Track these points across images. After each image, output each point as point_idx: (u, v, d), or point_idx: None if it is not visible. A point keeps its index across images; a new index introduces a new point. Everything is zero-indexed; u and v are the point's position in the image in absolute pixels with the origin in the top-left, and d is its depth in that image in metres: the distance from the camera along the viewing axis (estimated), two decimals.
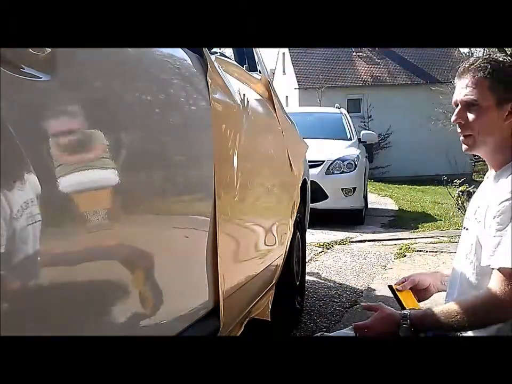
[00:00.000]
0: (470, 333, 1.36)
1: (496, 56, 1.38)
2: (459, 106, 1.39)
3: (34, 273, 0.77)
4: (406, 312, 1.39)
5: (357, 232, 6.00)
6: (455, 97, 1.40)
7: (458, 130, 1.40)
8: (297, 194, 2.69)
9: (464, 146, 1.41)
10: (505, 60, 1.37)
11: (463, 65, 1.39)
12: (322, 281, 3.81)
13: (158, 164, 1.17)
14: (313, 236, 5.33)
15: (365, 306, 1.56)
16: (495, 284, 1.26)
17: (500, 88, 1.34)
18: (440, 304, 1.42)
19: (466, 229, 1.46)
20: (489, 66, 1.34)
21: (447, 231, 6.07)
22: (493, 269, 1.27)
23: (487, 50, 13.61)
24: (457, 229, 5.71)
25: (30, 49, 0.80)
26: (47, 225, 0.79)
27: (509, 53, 10.41)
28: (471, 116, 1.36)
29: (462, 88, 1.38)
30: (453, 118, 1.39)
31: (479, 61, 1.37)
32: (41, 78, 0.80)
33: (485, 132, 1.37)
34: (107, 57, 1.01)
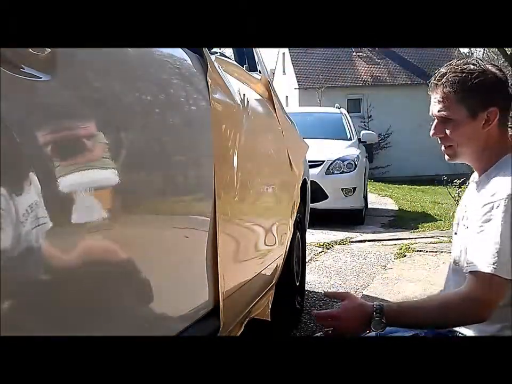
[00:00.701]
0: (470, 333, 1.36)
1: (465, 65, 1.34)
2: (435, 120, 1.38)
3: (34, 273, 0.77)
4: (380, 304, 1.32)
5: (357, 232, 6.00)
6: (430, 111, 1.38)
7: (439, 141, 1.39)
8: (297, 194, 2.69)
9: (446, 157, 1.41)
10: (474, 68, 1.33)
11: (433, 79, 1.37)
12: (323, 281, 3.81)
13: (158, 163, 1.17)
14: (313, 236, 5.33)
15: (329, 294, 1.45)
16: (471, 285, 1.25)
17: (470, 100, 1.32)
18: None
19: (455, 234, 1.45)
20: (457, 80, 1.32)
21: (447, 231, 6.07)
22: (471, 272, 1.26)
23: (487, 50, 13.62)
24: None
25: (30, 49, 0.80)
26: (47, 225, 0.79)
27: (509, 53, 10.39)
28: (447, 130, 1.35)
29: (435, 103, 1.37)
30: (431, 132, 1.38)
31: (447, 75, 1.34)
32: (41, 78, 0.80)
33: (464, 143, 1.35)
34: (107, 57, 1.01)
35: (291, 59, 21.68)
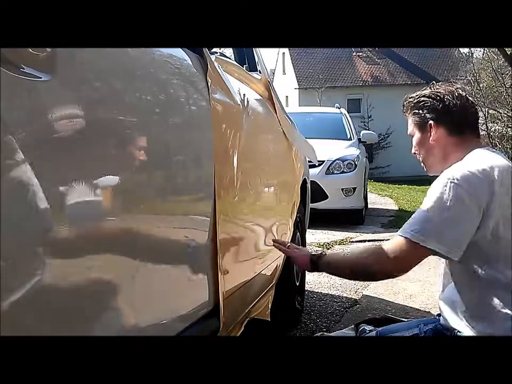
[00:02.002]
0: (470, 333, 1.37)
1: (422, 91, 1.59)
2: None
3: (34, 272, 0.77)
4: (315, 254, 1.64)
5: (357, 232, 6.00)
6: None
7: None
8: (297, 194, 2.70)
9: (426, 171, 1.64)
10: (426, 91, 1.57)
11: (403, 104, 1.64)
12: (323, 281, 3.81)
13: (158, 163, 1.17)
14: (313, 236, 5.32)
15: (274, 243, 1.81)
16: (390, 243, 1.44)
17: (416, 118, 1.58)
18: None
19: None
20: (411, 104, 1.59)
21: None
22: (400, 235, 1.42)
23: (487, 50, 13.64)
24: None
25: (30, 49, 0.80)
26: (47, 224, 0.79)
27: (509, 53, 10.39)
28: (415, 145, 1.61)
29: (408, 124, 1.64)
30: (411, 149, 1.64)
31: (406, 100, 1.62)
32: (41, 78, 0.80)
33: (424, 155, 1.59)
34: (107, 57, 1.01)
35: (291, 59, 21.68)
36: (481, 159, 1.43)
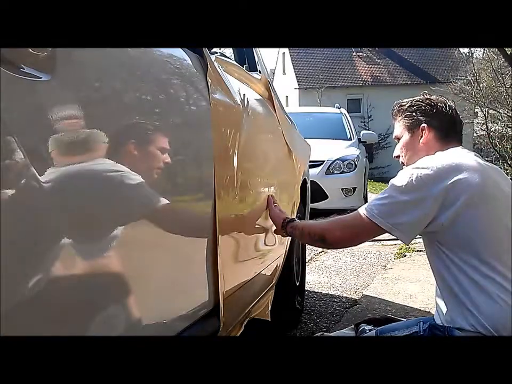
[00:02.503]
0: (470, 333, 1.37)
1: (413, 98, 1.71)
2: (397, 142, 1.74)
3: (34, 272, 0.77)
4: (289, 218, 1.82)
5: None
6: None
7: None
8: (297, 194, 2.69)
9: None
10: (417, 98, 1.69)
11: (392, 109, 1.75)
12: (323, 281, 3.81)
13: (157, 163, 1.17)
14: None
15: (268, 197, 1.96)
16: (349, 215, 1.59)
17: (407, 121, 1.68)
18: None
19: None
20: (402, 108, 1.70)
21: None
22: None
23: (487, 50, 13.63)
24: None
25: (30, 49, 0.80)
26: (47, 224, 0.79)
27: (509, 53, 10.39)
28: (400, 148, 1.71)
29: (394, 128, 1.75)
30: (394, 153, 1.75)
31: (398, 104, 1.73)
32: (41, 78, 0.80)
33: (410, 157, 1.67)
34: (107, 57, 1.01)
35: (291, 59, 21.69)
36: (449, 154, 1.55)
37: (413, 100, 1.71)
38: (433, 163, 1.50)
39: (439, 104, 1.67)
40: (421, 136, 1.65)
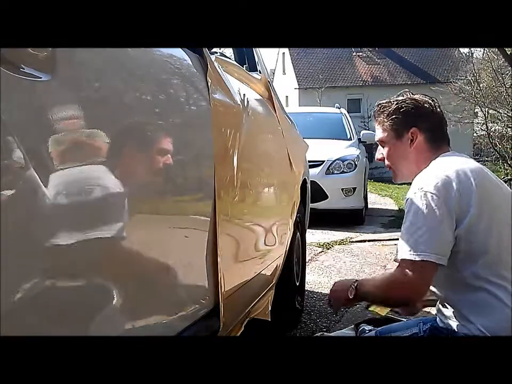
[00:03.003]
0: (464, 332, 1.37)
1: (395, 98, 1.60)
2: (379, 145, 1.64)
3: (34, 272, 0.77)
4: (357, 280, 1.61)
5: (357, 232, 6.00)
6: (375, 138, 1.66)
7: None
8: (297, 194, 2.69)
9: (393, 178, 1.66)
10: (400, 99, 1.58)
11: (374, 110, 1.65)
12: (323, 281, 3.81)
13: (157, 163, 1.17)
14: (313, 236, 5.32)
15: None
16: (398, 270, 1.42)
17: (394, 124, 1.56)
18: None
19: None
20: (385, 110, 1.59)
21: None
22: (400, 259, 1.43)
23: (487, 50, 13.63)
24: None
25: (30, 49, 0.80)
26: (47, 224, 0.79)
27: (509, 53, 10.39)
28: (385, 152, 1.61)
29: (376, 130, 1.63)
30: (376, 157, 1.66)
31: (380, 105, 1.61)
32: (41, 78, 0.80)
33: (397, 162, 1.60)
34: (107, 57, 1.01)
35: (291, 59, 21.69)
36: (448, 163, 1.47)
37: (397, 100, 1.59)
38: (436, 179, 1.40)
39: (425, 104, 1.57)
40: (411, 141, 1.55)
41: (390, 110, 1.58)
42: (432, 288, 1.49)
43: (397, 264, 1.44)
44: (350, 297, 1.56)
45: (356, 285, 1.56)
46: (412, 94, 1.61)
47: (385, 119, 1.59)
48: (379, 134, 1.62)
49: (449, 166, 1.45)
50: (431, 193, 1.39)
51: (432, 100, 1.59)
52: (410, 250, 1.38)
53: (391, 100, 1.60)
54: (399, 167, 1.60)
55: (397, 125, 1.56)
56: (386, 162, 1.62)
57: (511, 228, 1.44)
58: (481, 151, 16.85)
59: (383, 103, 1.62)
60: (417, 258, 1.37)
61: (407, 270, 1.39)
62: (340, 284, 1.66)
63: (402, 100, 1.58)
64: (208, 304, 1.45)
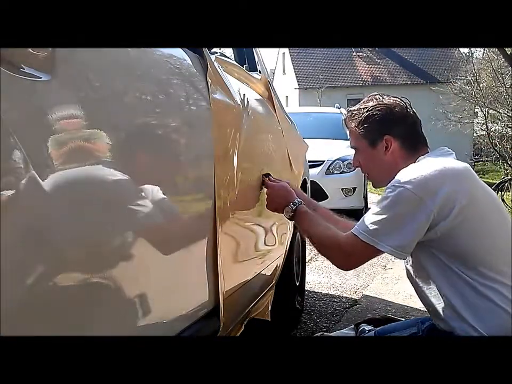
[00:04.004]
0: (469, 333, 1.37)
1: (365, 103, 1.56)
2: (354, 151, 1.62)
3: (34, 272, 0.77)
4: (298, 201, 1.69)
5: None
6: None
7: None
8: None
9: (372, 184, 1.68)
10: (371, 104, 1.54)
11: (344, 116, 1.62)
12: (323, 281, 3.81)
13: (158, 164, 1.17)
14: None
15: (271, 179, 1.85)
16: (346, 238, 1.48)
17: (367, 133, 1.54)
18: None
19: None
20: (356, 117, 1.56)
21: None
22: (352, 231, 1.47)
23: (487, 50, 13.63)
24: None
25: (30, 49, 0.80)
26: (47, 224, 0.79)
27: (509, 53, 10.39)
28: (360, 160, 1.60)
29: (350, 137, 1.61)
30: (352, 163, 1.66)
31: (350, 113, 1.59)
32: (41, 78, 0.80)
33: (373, 169, 1.59)
34: (107, 57, 1.01)
35: (291, 59, 21.69)
36: (429, 162, 1.45)
37: (367, 107, 1.54)
38: (413, 175, 1.40)
39: (397, 108, 1.53)
40: (386, 148, 1.52)
41: (361, 118, 1.55)
42: (426, 291, 1.53)
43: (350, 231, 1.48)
44: (283, 214, 1.69)
45: (294, 208, 1.66)
46: (382, 97, 1.57)
47: (357, 128, 1.56)
48: (353, 142, 1.60)
49: (436, 165, 1.43)
50: (407, 189, 1.38)
51: (404, 102, 1.56)
52: (366, 231, 1.42)
53: (362, 107, 1.57)
54: (377, 174, 1.59)
55: (370, 134, 1.54)
56: (364, 171, 1.62)
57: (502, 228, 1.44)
58: (481, 151, 16.84)
59: (353, 110, 1.59)
60: (366, 241, 1.41)
61: (353, 243, 1.45)
62: (282, 193, 1.74)
63: (372, 106, 1.54)
64: (208, 304, 1.45)
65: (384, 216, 1.41)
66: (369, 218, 1.44)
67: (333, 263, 1.57)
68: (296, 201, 1.68)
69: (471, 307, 1.39)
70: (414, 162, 1.49)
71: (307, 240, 1.69)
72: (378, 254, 1.45)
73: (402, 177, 1.41)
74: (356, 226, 1.47)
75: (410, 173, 1.41)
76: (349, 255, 1.49)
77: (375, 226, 1.41)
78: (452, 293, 1.42)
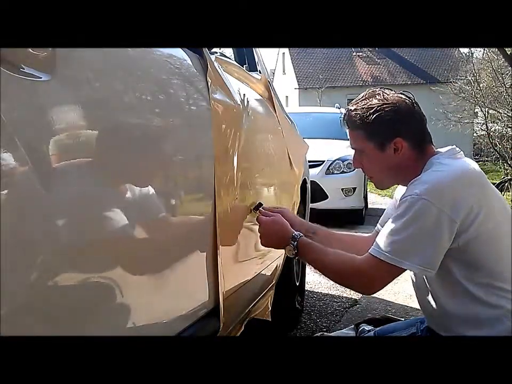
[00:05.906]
0: (469, 333, 1.37)
1: (368, 100, 1.44)
2: (354, 151, 1.51)
3: (34, 272, 0.77)
4: (297, 234, 1.51)
5: (357, 232, 5.98)
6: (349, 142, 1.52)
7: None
8: (297, 194, 2.69)
9: (376, 186, 1.57)
10: (375, 103, 1.42)
11: (343, 115, 1.50)
12: (323, 281, 3.81)
13: (158, 164, 1.17)
14: None
15: (263, 213, 1.66)
16: (365, 261, 1.37)
17: (375, 136, 1.42)
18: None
19: None
20: (359, 117, 1.43)
21: None
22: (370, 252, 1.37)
23: (487, 50, 13.64)
24: None
25: (30, 49, 0.80)
26: (47, 224, 0.79)
27: (509, 53, 10.39)
28: (364, 162, 1.48)
29: (352, 138, 1.49)
30: (352, 163, 1.53)
31: (351, 112, 1.45)
32: (41, 78, 0.80)
33: (380, 173, 1.48)
34: (107, 57, 1.01)
35: (291, 59, 21.70)
36: (445, 168, 1.36)
37: (370, 106, 1.41)
38: (433, 186, 1.31)
39: (403, 105, 1.41)
40: (395, 150, 1.42)
41: (367, 119, 1.42)
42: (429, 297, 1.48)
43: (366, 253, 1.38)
44: (285, 253, 1.52)
45: (296, 244, 1.48)
46: (385, 93, 1.44)
47: (361, 129, 1.44)
48: (356, 143, 1.48)
49: (454, 173, 1.35)
50: (427, 201, 1.29)
51: (409, 98, 1.44)
52: (387, 251, 1.33)
53: (366, 106, 1.43)
54: (384, 177, 1.49)
55: (378, 136, 1.42)
56: (368, 173, 1.52)
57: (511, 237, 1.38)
58: (481, 151, 16.85)
59: (356, 109, 1.45)
60: (389, 262, 1.33)
61: (374, 266, 1.35)
62: (277, 228, 1.54)
63: (379, 106, 1.41)
64: (208, 304, 1.45)
65: (405, 233, 1.31)
66: (389, 236, 1.34)
67: (355, 290, 1.48)
68: (295, 236, 1.51)
69: (475, 317, 1.37)
70: (424, 163, 1.41)
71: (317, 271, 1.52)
72: (403, 271, 1.36)
73: (419, 187, 1.31)
74: (373, 247, 1.36)
75: (428, 183, 1.32)
76: (373, 280, 1.39)
77: (397, 245, 1.32)
78: (455, 304, 1.40)
